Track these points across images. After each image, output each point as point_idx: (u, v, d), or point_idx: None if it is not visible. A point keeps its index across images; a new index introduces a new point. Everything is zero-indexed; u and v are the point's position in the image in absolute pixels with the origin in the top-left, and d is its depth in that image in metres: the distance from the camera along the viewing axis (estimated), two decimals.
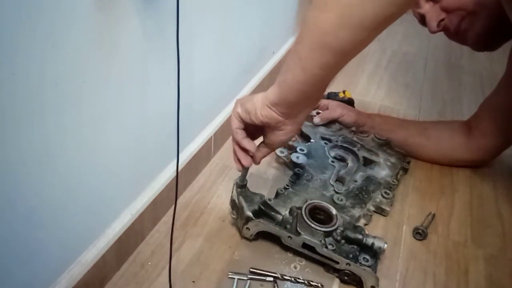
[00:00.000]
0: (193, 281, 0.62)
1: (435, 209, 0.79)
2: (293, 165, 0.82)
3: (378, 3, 0.43)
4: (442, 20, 0.78)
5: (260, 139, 0.63)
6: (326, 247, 0.62)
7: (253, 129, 0.61)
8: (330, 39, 0.46)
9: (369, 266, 0.61)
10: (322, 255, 0.63)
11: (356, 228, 0.65)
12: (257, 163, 0.63)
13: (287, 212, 0.67)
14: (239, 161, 0.62)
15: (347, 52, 0.48)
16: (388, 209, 0.76)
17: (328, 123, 0.92)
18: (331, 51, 0.47)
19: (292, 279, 0.63)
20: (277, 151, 0.85)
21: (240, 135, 0.60)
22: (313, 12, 0.48)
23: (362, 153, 0.86)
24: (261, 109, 0.56)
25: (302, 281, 0.63)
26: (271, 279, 0.62)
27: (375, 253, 0.63)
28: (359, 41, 0.47)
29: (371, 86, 1.23)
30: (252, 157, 0.62)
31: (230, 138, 0.91)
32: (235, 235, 0.70)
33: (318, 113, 0.92)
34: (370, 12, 0.44)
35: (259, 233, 0.67)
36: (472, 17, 0.75)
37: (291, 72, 0.51)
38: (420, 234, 0.73)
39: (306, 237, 0.63)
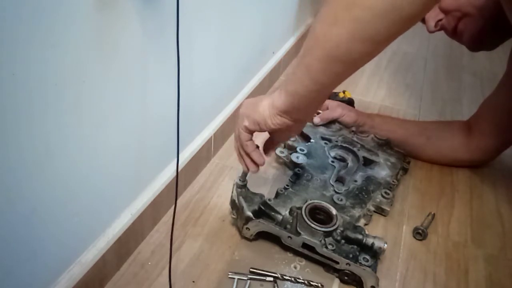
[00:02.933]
0: (193, 281, 0.62)
1: (435, 209, 0.79)
2: (293, 165, 0.82)
3: (390, 19, 0.42)
4: (440, 20, 0.79)
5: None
6: (326, 247, 0.62)
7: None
8: (341, 52, 0.46)
9: (369, 266, 0.61)
10: (322, 255, 0.63)
11: (356, 228, 0.65)
12: (262, 164, 0.64)
13: (287, 212, 0.67)
14: (247, 165, 0.64)
15: (357, 63, 0.48)
16: (388, 209, 0.76)
17: (328, 123, 0.92)
18: (341, 63, 0.47)
19: (292, 279, 0.63)
20: (277, 151, 0.85)
21: (250, 147, 0.61)
22: (322, 25, 0.47)
23: (362, 153, 0.86)
24: (272, 118, 0.56)
25: (302, 281, 0.63)
26: (271, 279, 0.62)
27: (375, 253, 0.63)
28: (370, 53, 0.47)
29: (371, 86, 1.23)
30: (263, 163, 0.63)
31: (230, 138, 0.92)
32: (235, 235, 0.70)
33: (318, 113, 0.92)
34: (382, 28, 0.43)
35: (259, 233, 0.67)
36: (467, 18, 0.76)
37: (301, 83, 0.52)
38: (420, 234, 0.73)
39: (306, 237, 0.63)
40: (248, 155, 0.62)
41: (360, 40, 0.44)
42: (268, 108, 0.56)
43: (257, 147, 0.63)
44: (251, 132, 0.60)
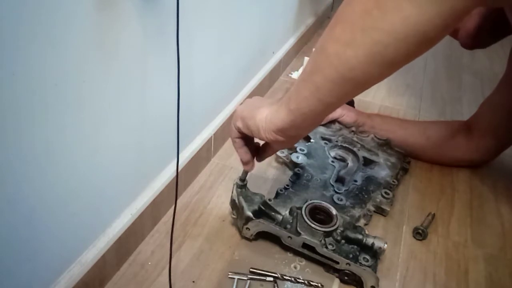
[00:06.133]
0: (193, 281, 0.62)
1: (435, 209, 0.79)
2: (293, 165, 0.82)
3: (411, 43, 0.40)
4: None
5: None
6: (326, 247, 0.62)
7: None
8: (355, 75, 0.44)
9: (369, 266, 0.61)
10: (322, 255, 0.63)
11: (356, 228, 0.65)
12: (259, 161, 0.64)
13: (287, 212, 0.67)
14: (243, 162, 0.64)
15: (369, 84, 0.46)
16: (388, 209, 0.76)
17: (328, 123, 0.93)
18: (354, 85, 0.46)
19: (292, 279, 0.63)
20: None
21: (238, 144, 0.61)
22: (335, 46, 0.44)
23: (362, 153, 0.86)
24: (266, 132, 0.54)
25: (302, 281, 0.63)
26: (271, 279, 0.62)
27: (375, 253, 0.63)
28: (385, 75, 0.45)
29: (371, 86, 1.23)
30: (250, 160, 0.63)
31: (230, 138, 0.91)
32: (235, 235, 0.70)
33: None
34: (401, 51, 0.41)
35: (259, 233, 0.67)
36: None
37: (306, 102, 0.49)
38: (420, 234, 0.73)
39: (306, 237, 0.63)
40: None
41: (377, 63, 0.42)
42: (265, 121, 0.54)
43: (258, 145, 0.64)
44: (241, 133, 0.59)
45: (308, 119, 0.51)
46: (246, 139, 0.61)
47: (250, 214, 0.65)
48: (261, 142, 0.63)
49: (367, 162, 0.85)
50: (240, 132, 0.59)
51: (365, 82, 0.45)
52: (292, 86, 0.52)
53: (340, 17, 0.44)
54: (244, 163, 0.63)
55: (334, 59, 0.45)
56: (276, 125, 0.53)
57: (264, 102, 0.57)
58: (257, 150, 0.64)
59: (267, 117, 0.54)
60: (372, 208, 0.76)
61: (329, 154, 0.85)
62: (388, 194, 0.78)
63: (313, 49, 0.49)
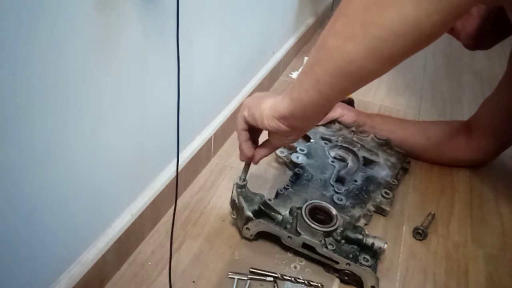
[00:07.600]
0: (193, 281, 0.62)
1: (435, 209, 0.79)
2: (293, 165, 0.82)
3: (409, 39, 0.41)
4: None
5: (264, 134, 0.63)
6: (326, 247, 0.62)
7: (257, 130, 0.62)
8: (354, 69, 0.45)
9: (369, 266, 0.61)
10: (322, 255, 0.63)
11: (356, 228, 0.65)
12: (256, 162, 0.64)
13: (287, 212, 0.67)
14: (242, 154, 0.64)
15: (368, 79, 0.47)
16: (388, 209, 0.76)
17: (328, 123, 0.93)
18: (352, 79, 0.46)
19: (292, 279, 0.63)
20: (277, 151, 0.85)
21: (243, 137, 0.61)
22: (336, 40, 0.45)
23: (362, 153, 0.86)
24: (269, 119, 0.56)
25: (302, 281, 0.63)
26: (271, 279, 0.62)
27: (375, 253, 0.63)
28: (383, 71, 0.45)
29: (371, 86, 1.23)
30: (252, 156, 0.63)
31: (230, 138, 0.92)
32: (235, 235, 0.70)
33: None
34: (400, 47, 0.42)
35: (259, 233, 0.67)
36: (465, 16, 0.76)
37: (306, 93, 0.50)
38: (420, 234, 0.73)
39: (306, 237, 0.63)
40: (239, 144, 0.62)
41: (376, 58, 0.43)
42: (269, 109, 0.56)
43: (257, 143, 0.64)
44: (247, 124, 0.60)
45: (308, 110, 0.52)
46: (251, 134, 0.62)
47: (250, 214, 0.65)
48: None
49: (367, 162, 0.85)
50: (246, 122, 0.60)
51: (364, 77, 0.46)
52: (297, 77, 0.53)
53: (341, 11, 0.44)
54: (245, 158, 0.63)
55: (333, 53, 0.45)
56: (279, 112, 0.54)
57: (271, 95, 0.59)
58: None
59: (271, 105, 0.56)
60: (372, 208, 0.76)
61: (329, 154, 0.85)
62: (388, 194, 0.78)
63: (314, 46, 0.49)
